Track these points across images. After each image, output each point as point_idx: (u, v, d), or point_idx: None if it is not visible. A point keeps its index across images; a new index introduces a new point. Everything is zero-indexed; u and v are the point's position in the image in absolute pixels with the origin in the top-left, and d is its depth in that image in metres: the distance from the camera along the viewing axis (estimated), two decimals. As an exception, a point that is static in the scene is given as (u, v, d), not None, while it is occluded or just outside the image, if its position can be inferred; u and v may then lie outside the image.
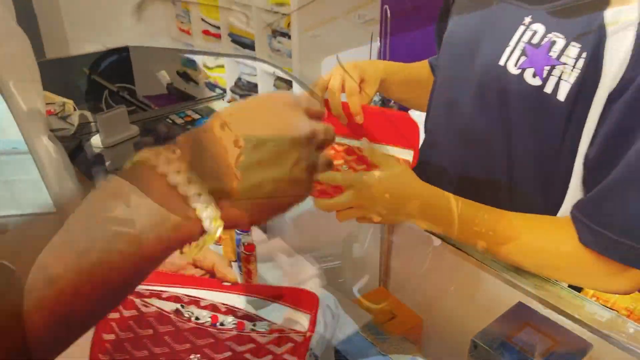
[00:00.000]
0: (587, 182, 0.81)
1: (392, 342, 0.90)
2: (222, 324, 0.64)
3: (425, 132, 1.10)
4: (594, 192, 0.78)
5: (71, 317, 0.48)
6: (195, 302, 0.66)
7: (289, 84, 2.95)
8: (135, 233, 0.45)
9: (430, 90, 1.11)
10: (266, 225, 1.22)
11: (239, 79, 3.31)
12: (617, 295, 1.72)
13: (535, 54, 0.82)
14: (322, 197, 0.88)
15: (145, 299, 0.65)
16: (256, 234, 1.06)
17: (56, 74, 1.75)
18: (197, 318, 0.64)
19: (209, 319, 0.64)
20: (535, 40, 0.82)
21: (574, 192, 0.85)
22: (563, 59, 0.78)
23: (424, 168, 1.09)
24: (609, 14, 0.74)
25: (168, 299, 0.66)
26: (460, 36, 0.98)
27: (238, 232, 0.94)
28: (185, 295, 0.67)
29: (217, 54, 3.34)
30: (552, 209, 0.89)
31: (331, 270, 1.13)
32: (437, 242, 0.97)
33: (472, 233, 0.85)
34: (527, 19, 0.84)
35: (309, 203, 1.33)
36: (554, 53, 0.79)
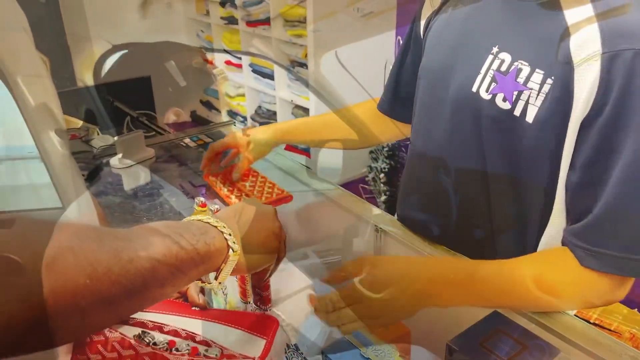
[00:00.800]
0: (569, 204, 0.83)
1: (379, 350, 0.93)
2: (177, 349, 0.67)
3: (407, 161, 1.15)
4: (590, 219, 0.79)
5: (94, 309, 0.54)
6: (159, 327, 0.70)
7: (305, 111, 3.01)
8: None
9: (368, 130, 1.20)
10: None
11: (259, 107, 3.40)
12: (619, 319, 1.71)
13: (504, 80, 0.85)
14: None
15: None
16: None
17: (84, 101, 1.85)
18: (154, 343, 0.67)
19: (166, 344, 0.67)
20: (503, 68, 0.86)
21: (560, 213, 0.87)
22: (529, 85, 0.82)
23: (406, 193, 1.15)
24: (573, 47, 0.78)
25: (134, 324, 0.70)
26: (434, 67, 1.01)
27: None
28: (151, 321, 0.70)
29: (230, 52, 3.48)
30: (533, 230, 0.91)
31: (332, 265, 1.16)
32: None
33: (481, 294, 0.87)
34: (495, 49, 0.87)
35: (308, 199, 1.37)
36: (520, 79, 0.83)
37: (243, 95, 3.47)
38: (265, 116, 3.36)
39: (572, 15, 0.81)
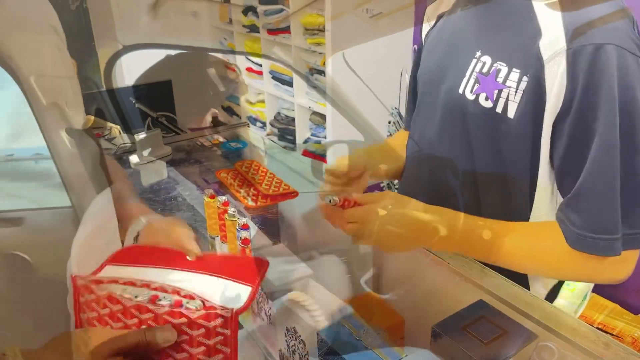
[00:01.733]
0: (561, 188, 0.88)
1: (373, 335, 0.95)
2: (160, 300, 0.68)
3: (405, 164, 1.18)
4: (568, 198, 0.84)
5: None
6: (147, 285, 0.71)
7: (322, 118, 3.02)
8: None
9: None
10: (279, 231, 1.28)
11: (278, 113, 3.43)
12: (622, 323, 1.71)
13: (485, 81, 0.90)
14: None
15: (103, 284, 0.71)
16: (262, 239, 1.13)
17: (110, 102, 1.91)
18: (136, 296, 0.68)
19: (148, 297, 0.69)
20: (485, 70, 0.90)
21: (541, 199, 0.92)
22: (508, 83, 0.86)
23: (404, 188, 1.18)
24: (542, 45, 0.82)
25: (124, 283, 0.72)
26: (427, 74, 1.07)
27: (239, 229, 0.99)
28: (140, 279, 0.72)
29: (240, 53, 3.52)
30: (518, 214, 0.94)
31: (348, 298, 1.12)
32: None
33: (477, 245, 0.91)
34: (478, 53, 0.92)
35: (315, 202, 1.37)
36: (500, 79, 0.87)
37: (263, 101, 3.49)
38: (284, 122, 3.38)
39: (543, 16, 0.85)
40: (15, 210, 0.69)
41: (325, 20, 2.78)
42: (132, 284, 0.71)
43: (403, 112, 2.83)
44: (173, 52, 2.08)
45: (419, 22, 1.18)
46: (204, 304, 0.68)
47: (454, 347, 0.78)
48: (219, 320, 0.66)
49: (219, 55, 3.20)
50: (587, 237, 0.81)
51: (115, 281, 0.72)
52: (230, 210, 1.06)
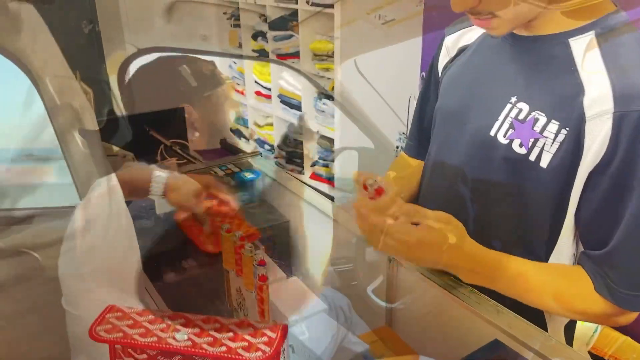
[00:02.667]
0: (584, 237, 0.89)
1: None
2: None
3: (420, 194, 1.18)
4: (605, 251, 0.84)
5: None
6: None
7: (330, 142, 3.04)
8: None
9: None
10: (290, 265, 1.28)
11: (287, 136, 3.45)
12: (634, 357, 1.71)
13: (521, 127, 0.89)
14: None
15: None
16: (276, 272, 1.13)
17: (123, 130, 1.91)
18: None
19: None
20: (521, 117, 0.89)
21: (564, 242, 0.92)
22: (545, 134, 0.86)
23: None
24: (586, 102, 0.82)
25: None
26: (449, 108, 1.05)
27: (255, 265, 0.99)
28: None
29: (249, 57, 3.53)
30: (541, 250, 0.95)
31: (345, 272, 1.19)
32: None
33: (514, 286, 0.91)
34: (514, 99, 0.91)
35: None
36: (537, 128, 0.87)
37: (271, 124, 3.50)
38: (292, 145, 3.39)
39: (585, 70, 0.85)
40: (26, 209, 0.69)
41: (335, 28, 2.79)
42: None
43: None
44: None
45: (427, 31, 1.18)
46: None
47: None
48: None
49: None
50: (622, 292, 0.83)
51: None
52: (247, 245, 1.07)
